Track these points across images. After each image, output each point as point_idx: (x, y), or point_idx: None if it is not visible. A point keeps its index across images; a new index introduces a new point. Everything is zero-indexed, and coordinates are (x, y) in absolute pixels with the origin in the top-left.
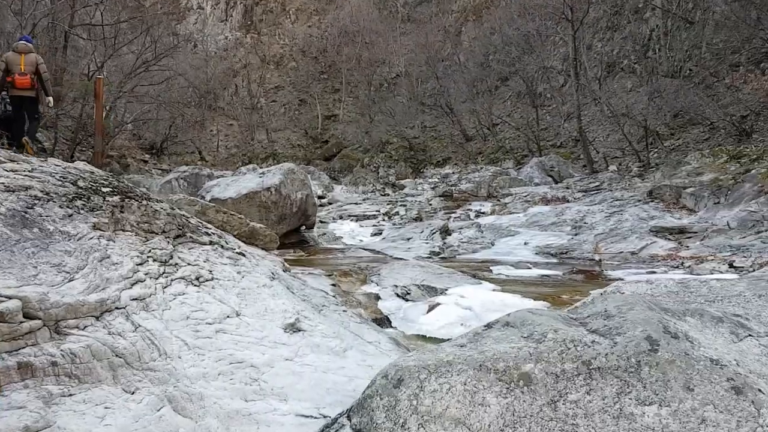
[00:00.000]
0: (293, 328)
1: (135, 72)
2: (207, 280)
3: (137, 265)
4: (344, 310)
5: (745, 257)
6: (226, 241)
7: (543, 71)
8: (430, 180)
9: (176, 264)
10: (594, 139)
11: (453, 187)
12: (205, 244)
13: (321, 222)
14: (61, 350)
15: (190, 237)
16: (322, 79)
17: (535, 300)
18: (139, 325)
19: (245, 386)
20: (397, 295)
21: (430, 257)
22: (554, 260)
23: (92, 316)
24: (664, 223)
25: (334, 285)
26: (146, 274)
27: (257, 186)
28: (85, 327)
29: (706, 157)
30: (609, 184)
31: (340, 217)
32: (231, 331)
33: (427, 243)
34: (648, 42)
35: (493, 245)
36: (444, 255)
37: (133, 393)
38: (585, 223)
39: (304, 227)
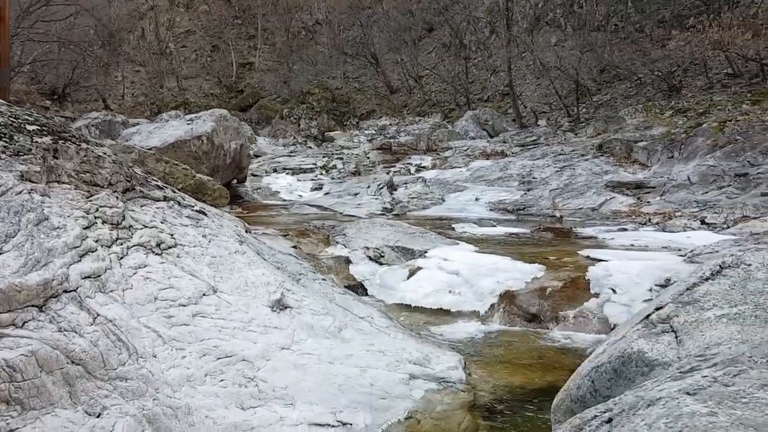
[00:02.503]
0: (280, 305)
1: (33, 7)
2: (170, 247)
3: (84, 229)
4: (323, 279)
5: (716, 213)
6: (182, 197)
7: (470, 22)
8: (366, 132)
9: (130, 226)
10: (521, 94)
11: (391, 140)
12: (158, 200)
13: (253, 175)
14: None
15: (141, 191)
16: (236, 25)
17: (527, 263)
18: (98, 314)
19: (240, 389)
20: (370, 258)
21: (383, 214)
22: (512, 217)
23: (33, 305)
24: (619, 178)
25: (294, 247)
26: (97, 241)
27: (186, 134)
28: (25, 323)
29: (640, 112)
30: (545, 138)
31: (274, 170)
32: (210, 313)
33: (376, 199)
34: None
35: (443, 201)
36: (396, 211)
37: (99, 416)
38: (534, 178)
39: (235, 180)
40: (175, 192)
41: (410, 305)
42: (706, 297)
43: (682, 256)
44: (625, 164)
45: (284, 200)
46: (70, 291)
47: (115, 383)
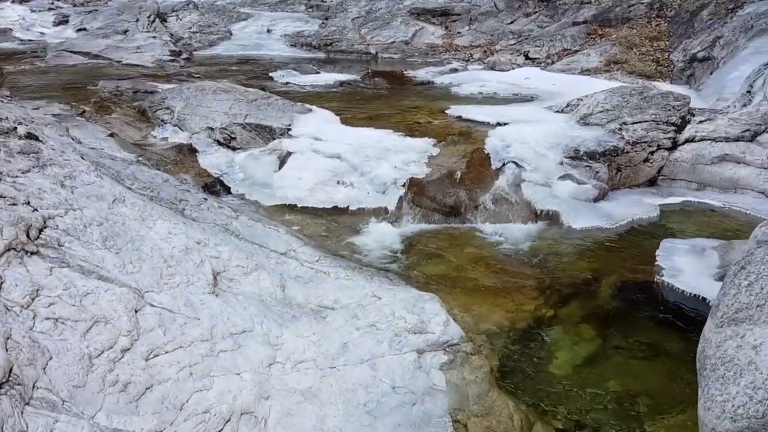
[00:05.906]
0: (215, 281)
1: None
2: (41, 230)
3: None
4: (205, 199)
5: (537, 47)
6: None
7: None
8: None
9: None
10: None
11: None
12: None
13: None
14: None
15: None
16: None
17: (413, 137)
18: None
19: None
20: (219, 143)
21: (173, 60)
22: (321, 54)
23: None
24: (422, 4)
25: (111, 135)
26: None
27: None
28: None
29: None
30: None
31: None
32: (163, 345)
33: (154, 37)
34: None
35: (231, 35)
36: (185, 55)
37: None
38: (323, 2)
39: None
40: None
41: (296, 205)
42: None
43: (561, 112)
44: None
45: (23, 41)
46: None
47: None
